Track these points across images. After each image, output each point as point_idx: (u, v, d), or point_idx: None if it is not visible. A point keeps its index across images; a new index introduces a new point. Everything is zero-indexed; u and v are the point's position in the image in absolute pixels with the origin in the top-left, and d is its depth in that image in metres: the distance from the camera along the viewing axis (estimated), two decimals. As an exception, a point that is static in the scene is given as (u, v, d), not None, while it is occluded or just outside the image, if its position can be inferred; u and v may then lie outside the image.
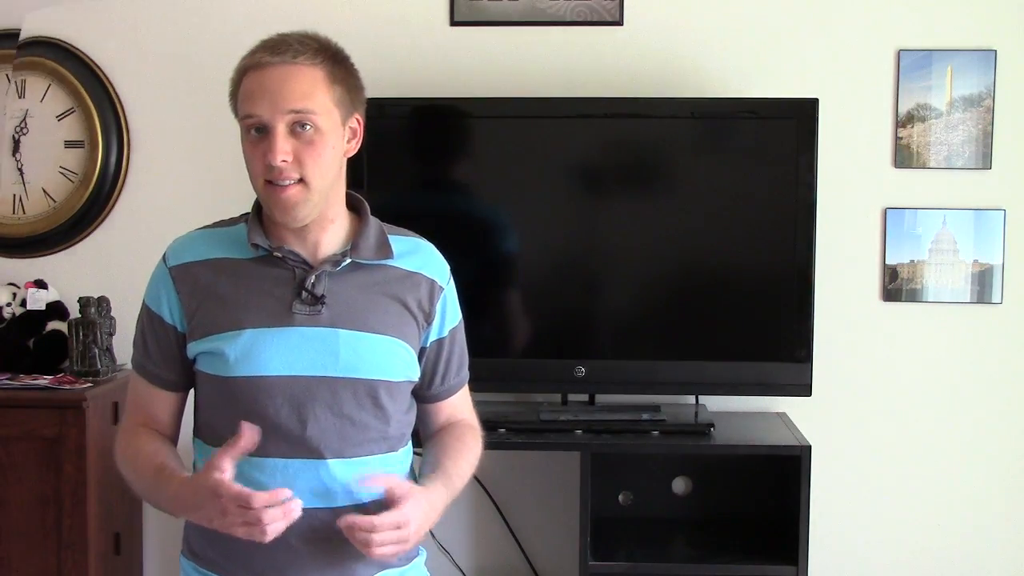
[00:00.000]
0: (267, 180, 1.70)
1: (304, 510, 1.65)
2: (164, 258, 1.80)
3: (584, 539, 2.69)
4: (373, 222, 1.82)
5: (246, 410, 1.70)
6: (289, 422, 1.71)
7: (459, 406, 1.95)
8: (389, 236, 1.82)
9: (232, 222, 1.83)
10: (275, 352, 1.71)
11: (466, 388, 1.97)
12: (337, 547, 1.72)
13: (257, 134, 1.71)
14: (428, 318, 1.83)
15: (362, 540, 1.64)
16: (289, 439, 1.72)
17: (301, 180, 1.70)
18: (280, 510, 1.60)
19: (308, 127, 1.70)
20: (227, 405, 1.72)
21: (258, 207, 1.79)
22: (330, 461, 1.73)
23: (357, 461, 1.75)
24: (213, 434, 1.76)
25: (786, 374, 2.85)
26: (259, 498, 1.58)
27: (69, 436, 2.73)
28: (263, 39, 1.78)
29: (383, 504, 1.69)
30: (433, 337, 1.85)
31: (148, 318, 1.81)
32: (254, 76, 1.71)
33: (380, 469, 1.76)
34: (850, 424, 3.07)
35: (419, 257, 1.84)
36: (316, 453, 1.72)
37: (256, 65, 1.72)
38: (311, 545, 1.73)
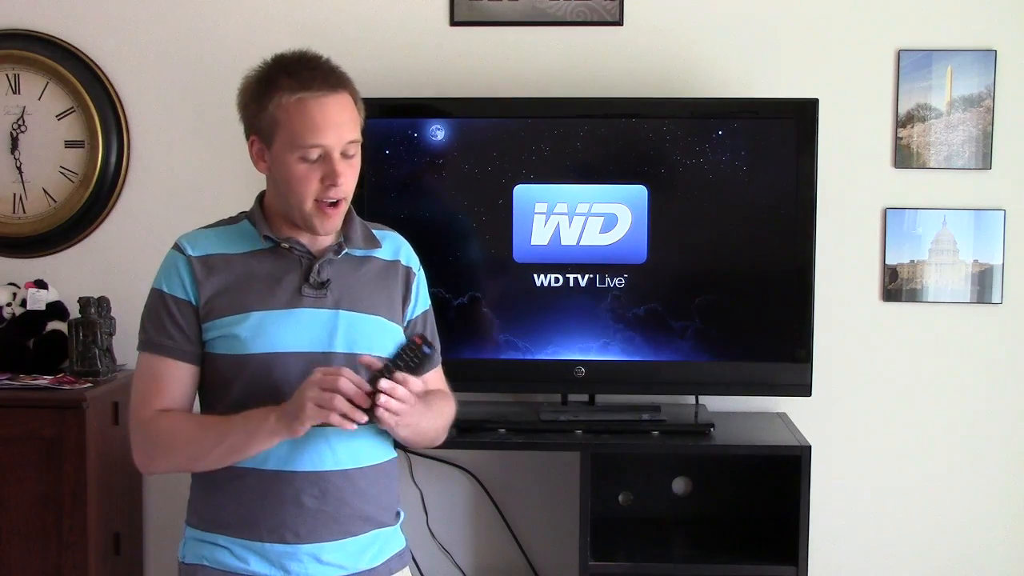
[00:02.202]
0: (317, 199, 1.90)
1: (313, 473, 1.90)
2: (179, 248, 1.96)
3: (584, 539, 2.69)
4: (356, 218, 2.03)
5: (261, 384, 1.88)
6: None
7: (430, 381, 2.07)
8: (371, 229, 2.05)
9: (232, 220, 2.02)
10: (286, 330, 1.89)
11: (440, 368, 2.13)
12: (341, 506, 1.92)
13: (313, 159, 1.89)
14: (406, 300, 2.04)
15: (388, 388, 1.80)
16: None
17: (344, 198, 1.93)
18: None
19: (353, 153, 1.93)
20: (241, 381, 1.89)
21: (259, 204, 1.99)
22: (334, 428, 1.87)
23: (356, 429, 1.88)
24: (228, 410, 1.90)
25: (786, 374, 2.85)
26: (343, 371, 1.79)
27: (69, 436, 2.72)
28: (284, 64, 1.92)
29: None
30: (409, 316, 2.05)
31: (165, 300, 1.94)
32: (314, 106, 1.88)
33: (372, 438, 1.96)
34: (850, 424, 3.07)
35: (396, 248, 2.06)
36: None
37: (314, 97, 1.88)
38: (320, 504, 1.91)
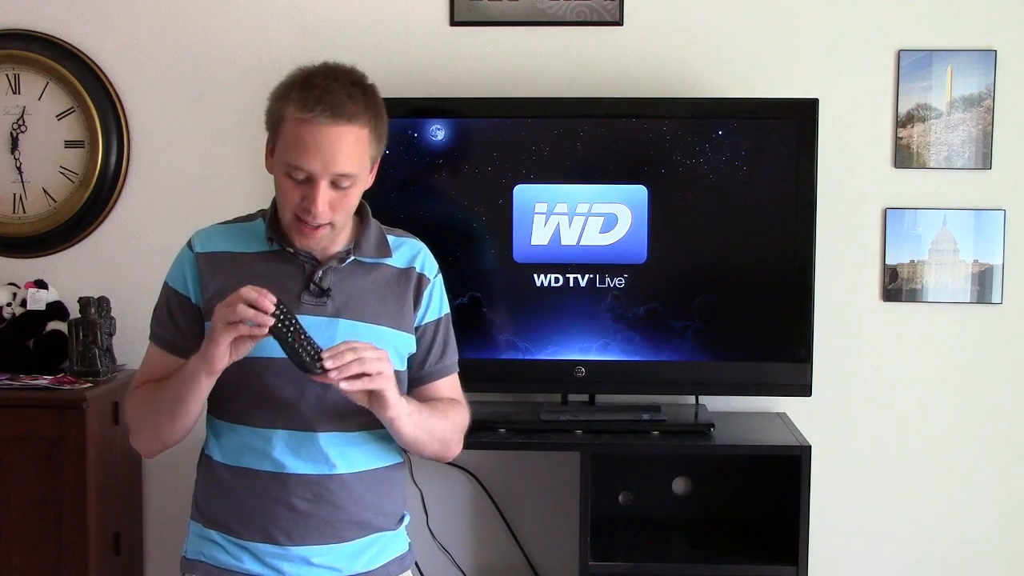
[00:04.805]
0: (297, 216, 1.88)
1: (307, 476, 1.91)
2: (190, 245, 1.98)
3: (584, 539, 2.69)
4: (373, 223, 2.01)
5: (256, 387, 1.89)
6: (292, 398, 1.90)
7: (443, 389, 2.07)
8: (387, 236, 2.02)
9: (250, 218, 2.02)
10: None
11: (454, 377, 2.10)
12: (336, 511, 1.93)
13: (297, 179, 1.86)
14: (416, 307, 2.00)
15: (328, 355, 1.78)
16: (291, 413, 1.90)
17: (330, 223, 1.88)
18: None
19: (347, 185, 1.87)
20: (239, 383, 1.88)
21: (273, 205, 1.96)
22: (327, 434, 1.92)
23: (351, 435, 1.94)
24: (226, 412, 1.94)
25: (786, 374, 2.85)
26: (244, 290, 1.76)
27: (69, 436, 2.72)
28: (309, 76, 1.87)
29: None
30: (417, 323, 2.01)
31: (172, 296, 1.97)
32: (307, 129, 1.83)
33: (372, 444, 1.96)
34: (850, 424, 3.07)
35: (412, 255, 2.03)
36: (313, 426, 1.91)
37: (312, 121, 1.83)
38: (313, 508, 1.92)
